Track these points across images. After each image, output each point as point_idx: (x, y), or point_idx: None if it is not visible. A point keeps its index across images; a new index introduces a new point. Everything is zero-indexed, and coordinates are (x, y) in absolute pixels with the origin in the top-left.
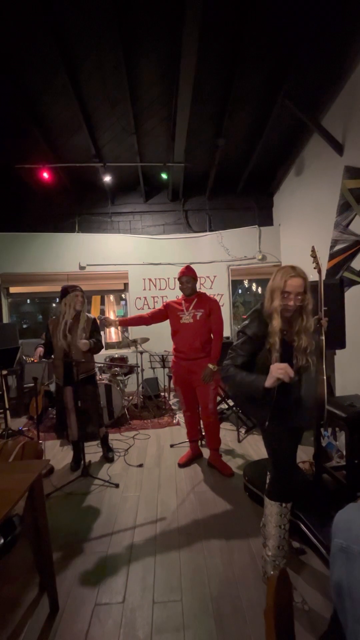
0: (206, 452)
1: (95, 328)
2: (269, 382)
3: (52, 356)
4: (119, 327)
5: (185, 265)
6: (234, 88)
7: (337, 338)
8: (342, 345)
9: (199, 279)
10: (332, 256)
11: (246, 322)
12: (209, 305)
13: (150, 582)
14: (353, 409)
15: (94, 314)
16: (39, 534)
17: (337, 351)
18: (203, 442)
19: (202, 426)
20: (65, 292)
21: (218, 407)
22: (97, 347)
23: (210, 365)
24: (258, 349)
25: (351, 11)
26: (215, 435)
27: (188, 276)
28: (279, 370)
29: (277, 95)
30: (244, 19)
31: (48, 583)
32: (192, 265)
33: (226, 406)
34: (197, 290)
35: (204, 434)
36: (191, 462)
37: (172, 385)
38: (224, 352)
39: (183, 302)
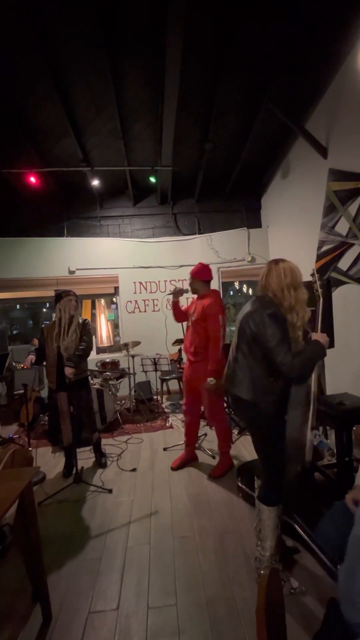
0: (203, 456)
1: (85, 331)
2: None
3: (44, 363)
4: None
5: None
6: (219, 93)
7: None
8: (331, 344)
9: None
10: (319, 257)
11: (269, 311)
12: (204, 309)
13: (144, 587)
14: (342, 407)
15: (86, 317)
16: (31, 542)
17: (327, 350)
18: (198, 444)
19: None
20: (59, 297)
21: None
22: (85, 352)
23: (209, 380)
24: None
25: (333, 17)
26: (222, 437)
27: (189, 275)
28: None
29: (261, 100)
30: (228, 27)
31: (41, 592)
32: (182, 268)
33: None
34: (209, 289)
35: (203, 434)
36: (184, 466)
37: (164, 388)
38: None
39: (195, 300)
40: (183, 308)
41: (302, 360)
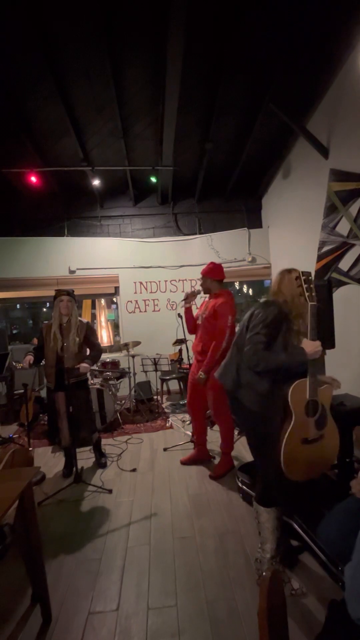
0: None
1: (91, 333)
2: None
3: (43, 362)
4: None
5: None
6: (220, 93)
7: (326, 338)
8: (332, 345)
9: (190, 281)
10: (320, 257)
11: (263, 312)
12: (216, 306)
13: (144, 588)
14: (343, 408)
15: (86, 317)
16: (30, 543)
17: (327, 351)
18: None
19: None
20: (54, 297)
21: (208, 411)
22: (97, 356)
23: (200, 374)
24: (277, 334)
25: (334, 18)
26: (224, 437)
27: (202, 274)
28: (319, 347)
29: (262, 100)
30: (229, 27)
31: (40, 593)
32: (183, 268)
33: None
34: (222, 289)
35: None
36: (193, 463)
37: (164, 389)
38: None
39: (206, 300)
40: (195, 315)
41: (269, 358)
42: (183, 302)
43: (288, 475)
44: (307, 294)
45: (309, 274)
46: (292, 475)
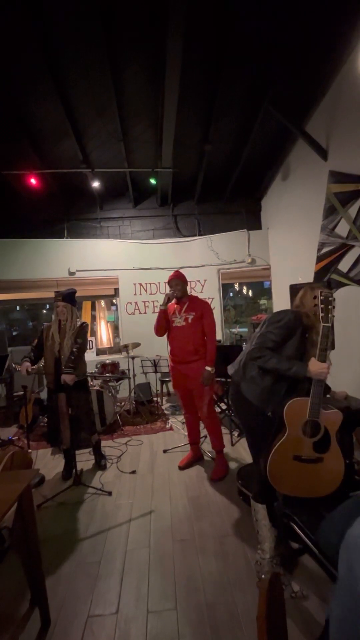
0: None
1: (80, 334)
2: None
3: (43, 362)
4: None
5: (175, 270)
6: (219, 95)
7: None
8: (331, 346)
9: (189, 282)
10: (319, 259)
11: (279, 315)
12: (201, 307)
13: (144, 592)
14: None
15: (85, 319)
16: (29, 546)
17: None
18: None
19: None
20: (54, 299)
21: None
22: (78, 355)
23: (208, 368)
24: (288, 338)
25: (332, 20)
26: (216, 436)
27: (176, 279)
28: (324, 370)
29: (261, 102)
30: (227, 28)
31: (39, 596)
32: (182, 270)
33: (219, 409)
34: (189, 293)
35: (203, 435)
36: (191, 465)
37: (164, 390)
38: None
39: (176, 305)
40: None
41: (271, 356)
42: (163, 303)
43: (273, 484)
44: (321, 314)
45: (330, 294)
46: (278, 486)
